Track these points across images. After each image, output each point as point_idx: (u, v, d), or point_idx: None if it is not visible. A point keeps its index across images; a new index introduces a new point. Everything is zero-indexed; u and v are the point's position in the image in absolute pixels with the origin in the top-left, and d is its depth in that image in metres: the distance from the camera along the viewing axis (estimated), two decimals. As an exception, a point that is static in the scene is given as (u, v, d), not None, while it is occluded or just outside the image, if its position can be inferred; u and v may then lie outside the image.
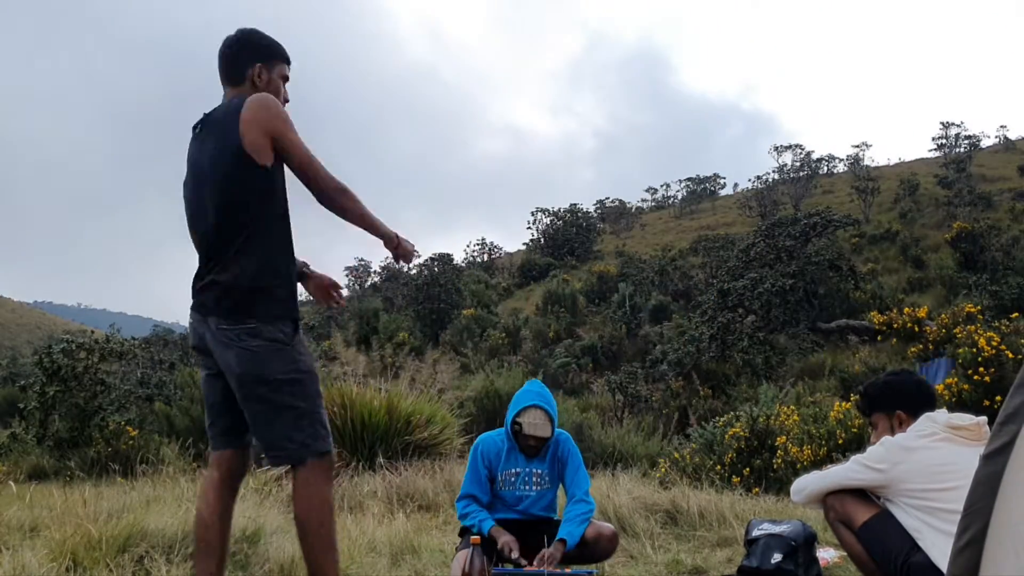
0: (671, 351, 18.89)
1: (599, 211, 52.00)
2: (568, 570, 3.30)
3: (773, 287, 19.07)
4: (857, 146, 60.71)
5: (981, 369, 9.11)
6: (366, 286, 47.82)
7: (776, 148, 48.78)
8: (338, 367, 13.36)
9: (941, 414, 2.70)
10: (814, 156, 48.72)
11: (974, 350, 9.36)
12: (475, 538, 3.10)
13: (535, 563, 3.18)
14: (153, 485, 5.45)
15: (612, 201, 55.06)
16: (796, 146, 47.62)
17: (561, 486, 3.58)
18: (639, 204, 60.93)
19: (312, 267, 2.72)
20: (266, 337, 2.35)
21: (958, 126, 47.68)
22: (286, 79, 2.57)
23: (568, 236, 41.08)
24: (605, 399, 17.24)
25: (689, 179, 59.16)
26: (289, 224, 2.46)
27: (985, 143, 47.19)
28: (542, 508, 3.52)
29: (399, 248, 2.56)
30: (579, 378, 21.13)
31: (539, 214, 44.03)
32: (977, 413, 2.74)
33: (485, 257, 48.71)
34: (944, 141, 46.91)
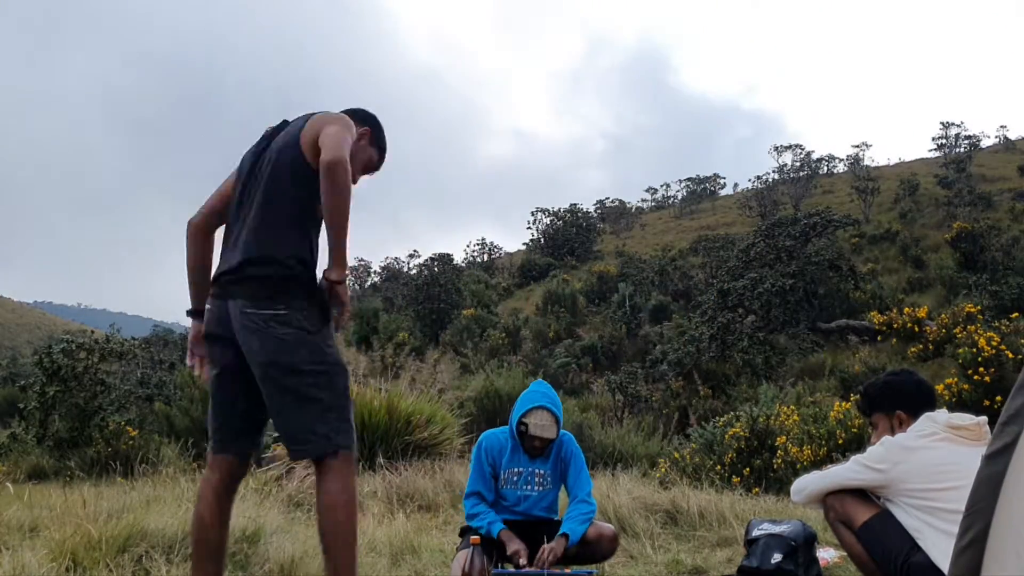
0: (671, 351, 18.90)
1: (599, 211, 52.01)
2: (568, 570, 3.30)
3: (773, 287, 19.07)
4: (857, 146, 60.73)
5: (981, 369, 9.11)
6: (366, 286, 47.86)
7: (776, 148, 48.82)
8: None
9: (941, 414, 2.69)
10: (814, 156, 48.79)
11: (974, 350, 9.36)
12: (475, 538, 3.10)
13: (537, 558, 3.18)
14: (153, 485, 5.45)
15: (612, 201, 55.10)
16: (796, 146, 47.67)
17: (563, 487, 3.58)
18: (639, 204, 60.97)
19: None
20: (295, 325, 2.33)
21: (958, 126, 47.76)
22: (369, 166, 2.68)
23: (568, 236, 41.09)
24: (605, 399, 17.25)
25: (689, 179, 59.19)
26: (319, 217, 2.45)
27: (985, 143, 47.23)
28: (543, 509, 3.51)
29: (337, 287, 2.39)
30: (579, 378, 21.13)
31: (539, 214, 44.06)
32: (977, 413, 2.74)
33: (485, 257, 48.73)
34: (944, 141, 46.94)
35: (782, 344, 18.40)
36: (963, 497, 1.23)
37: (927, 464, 2.58)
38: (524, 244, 47.11)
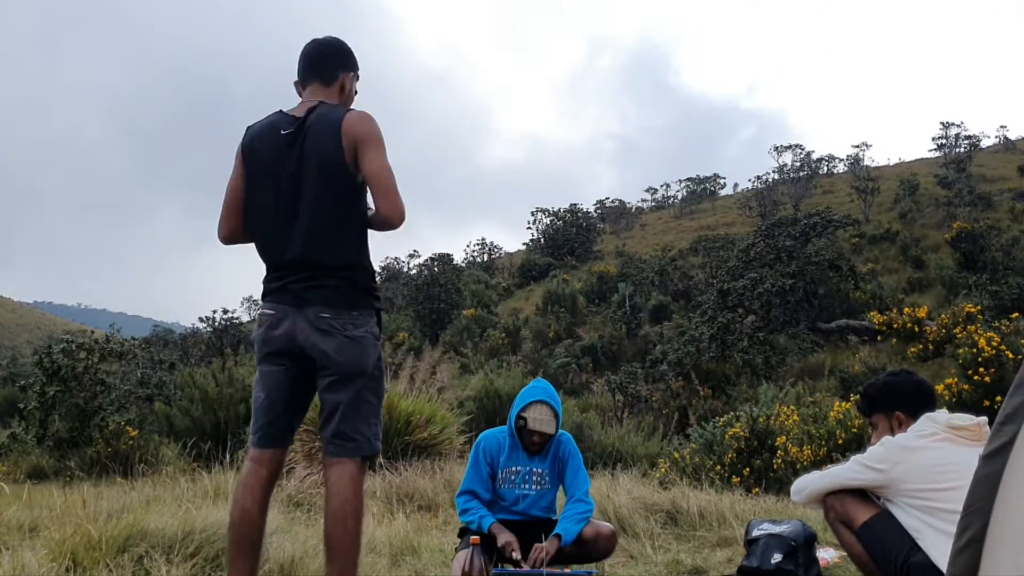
0: (671, 351, 18.90)
1: (599, 211, 52.00)
2: (568, 570, 3.30)
3: (773, 287, 19.07)
4: (857, 146, 60.70)
5: (981, 369, 9.11)
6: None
7: (776, 148, 48.81)
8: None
9: (941, 414, 2.69)
10: (814, 156, 48.80)
11: (974, 350, 9.36)
12: (475, 538, 3.10)
13: (530, 557, 3.18)
14: (153, 485, 5.45)
15: (612, 201, 55.09)
16: (796, 146, 47.69)
17: (561, 487, 3.58)
18: (639, 204, 60.95)
19: None
20: (367, 329, 2.47)
21: (958, 126, 47.72)
22: (356, 92, 2.76)
23: (568, 236, 41.09)
24: (605, 399, 17.25)
25: (689, 179, 59.19)
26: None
27: (985, 143, 47.22)
28: (541, 508, 3.51)
29: None
30: (579, 378, 21.14)
31: (539, 214, 44.06)
32: (977, 413, 2.74)
33: (485, 257, 48.73)
34: (944, 141, 46.93)
35: (782, 344, 18.39)
36: (963, 497, 1.23)
37: (927, 464, 2.58)
38: (524, 244, 47.13)
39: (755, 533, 3.42)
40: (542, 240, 43.11)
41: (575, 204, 44.51)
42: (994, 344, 9.30)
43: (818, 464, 6.14)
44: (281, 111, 2.59)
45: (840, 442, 7.46)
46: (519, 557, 3.18)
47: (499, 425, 3.73)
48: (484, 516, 3.35)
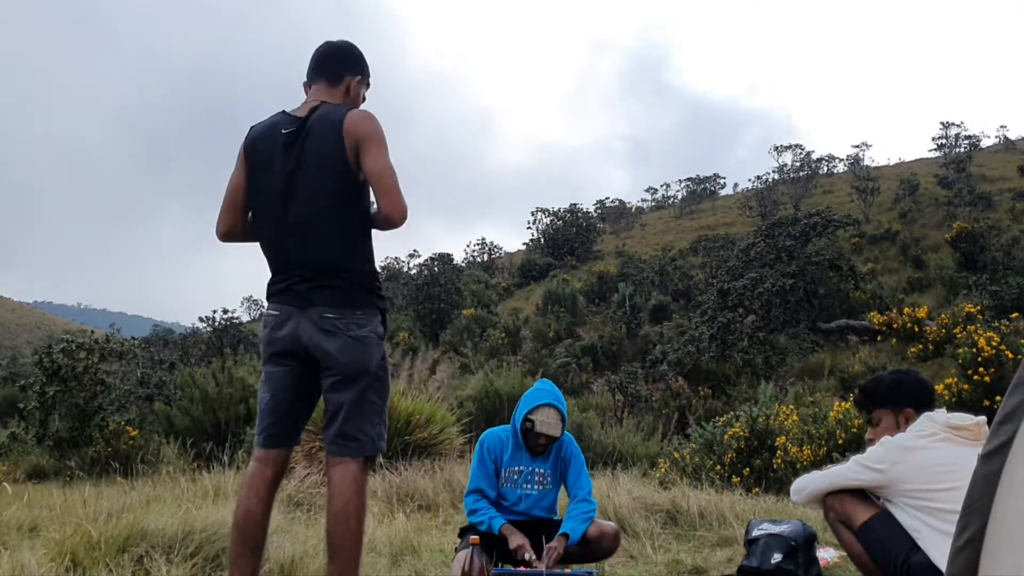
0: (671, 351, 18.90)
1: (599, 211, 52.00)
2: (568, 570, 3.30)
3: (773, 287, 19.07)
4: (857, 146, 60.70)
5: (981, 369, 9.11)
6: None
7: (776, 148, 48.82)
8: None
9: (940, 414, 2.69)
10: (814, 156, 48.80)
11: (974, 350, 9.36)
12: (475, 538, 3.10)
13: (544, 560, 3.18)
14: (153, 485, 5.45)
15: (612, 201, 55.09)
16: (796, 146, 47.69)
17: (563, 487, 3.58)
18: (639, 204, 60.96)
19: None
20: (371, 329, 2.47)
21: (958, 126, 47.70)
22: (364, 99, 2.76)
23: (568, 236, 41.08)
24: (605, 399, 17.25)
25: (689, 179, 59.18)
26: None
27: (985, 143, 47.22)
28: (543, 508, 3.52)
29: None
30: (579, 378, 21.13)
31: (539, 214, 44.05)
32: (977, 413, 2.74)
33: (485, 257, 48.72)
34: (944, 141, 46.93)
35: (782, 344, 18.39)
36: (962, 497, 1.23)
37: (926, 464, 2.58)
38: (524, 244, 47.13)
39: (755, 533, 3.42)
40: (542, 240, 43.11)
41: (575, 204, 44.53)
42: (994, 344, 9.30)
43: (818, 464, 6.15)
44: (284, 111, 2.59)
45: (840, 442, 7.46)
46: (533, 557, 3.18)
47: (499, 425, 3.73)
48: (494, 517, 3.34)
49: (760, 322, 19.26)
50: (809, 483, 2.91)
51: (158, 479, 5.89)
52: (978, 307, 15.12)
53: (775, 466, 7.64)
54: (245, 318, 38.85)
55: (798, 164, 46.67)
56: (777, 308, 19.17)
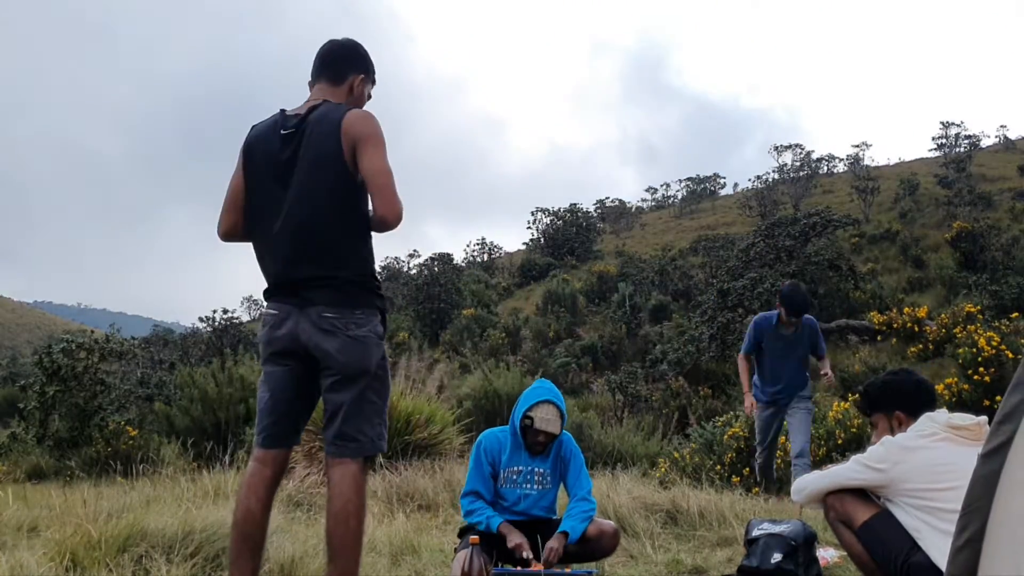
0: (671, 351, 18.90)
1: (599, 211, 51.99)
2: (568, 570, 3.30)
3: (773, 287, 19.06)
4: (857, 146, 60.72)
5: (981, 369, 9.11)
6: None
7: (776, 148, 48.79)
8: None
9: (941, 414, 2.70)
10: (814, 156, 48.79)
11: (974, 350, 9.36)
12: (474, 538, 3.10)
13: (543, 559, 3.19)
14: (153, 485, 5.45)
15: (612, 201, 55.09)
16: (796, 146, 47.67)
17: (562, 487, 3.58)
18: (639, 204, 60.96)
19: None
20: (370, 329, 2.46)
21: (958, 126, 47.62)
22: (369, 97, 2.75)
23: (568, 236, 41.07)
24: (605, 399, 17.25)
25: (689, 179, 59.18)
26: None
27: (985, 143, 47.21)
28: (542, 508, 3.51)
29: None
30: (579, 378, 21.13)
31: (539, 214, 44.04)
32: (977, 413, 2.74)
33: (485, 257, 48.72)
34: (944, 141, 46.91)
35: (782, 344, 18.37)
36: (962, 497, 1.23)
37: (927, 464, 2.58)
38: (524, 244, 47.12)
39: (755, 533, 3.42)
40: (542, 240, 43.10)
41: (575, 204, 44.53)
42: (994, 344, 9.30)
43: (818, 464, 6.15)
44: (283, 110, 2.59)
45: (840, 442, 7.46)
46: (530, 556, 3.18)
47: (499, 425, 3.72)
48: (492, 516, 3.34)
49: (760, 322, 19.24)
50: (809, 483, 2.91)
51: (158, 479, 5.88)
52: (978, 307, 15.12)
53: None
54: (245, 318, 38.83)
55: (798, 164, 46.67)
56: (777, 308, 19.17)
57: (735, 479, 7.36)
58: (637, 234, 47.10)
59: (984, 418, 2.65)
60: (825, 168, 50.12)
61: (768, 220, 26.35)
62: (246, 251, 2.62)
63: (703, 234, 37.07)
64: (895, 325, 16.67)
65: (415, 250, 45.75)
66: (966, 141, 45.86)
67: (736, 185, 56.90)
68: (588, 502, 3.42)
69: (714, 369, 17.50)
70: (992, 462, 1.13)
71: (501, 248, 50.04)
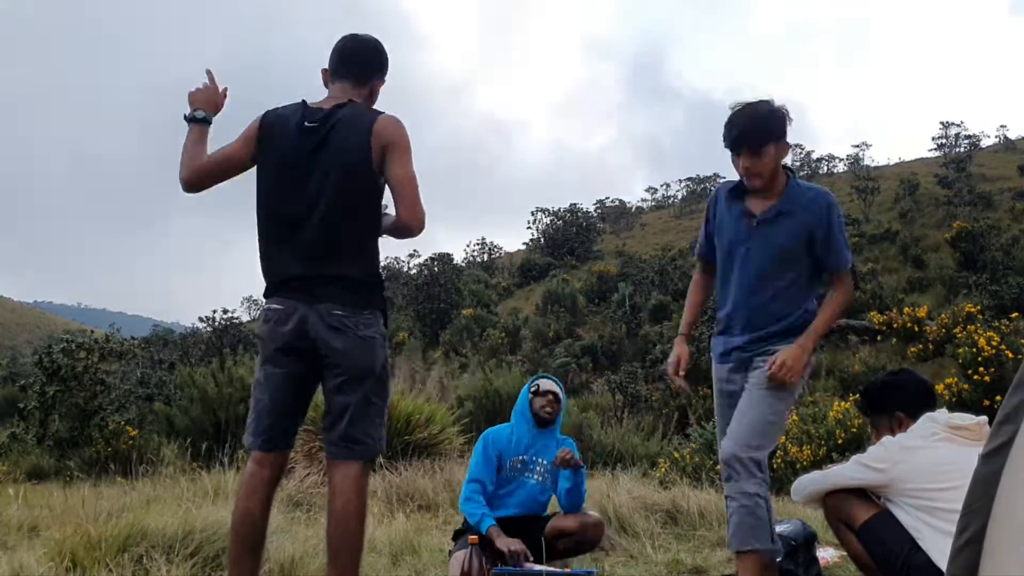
0: (671, 351, 18.88)
1: (599, 211, 52.02)
2: (568, 570, 3.30)
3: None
4: (857, 146, 60.75)
5: (981, 369, 9.12)
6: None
7: (776, 148, 48.77)
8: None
9: (942, 414, 2.69)
10: (814, 156, 48.84)
11: (974, 350, 9.36)
12: (473, 538, 3.10)
13: (559, 458, 3.37)
14: (153, 485, 5.45)
15: (612, 201, 55.13)
16: (796, 146, 47.62)
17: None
18: (639, 204, 61.00)
19: None
20: (377, 330, 2.47)
21: (958, 126, 47.68)
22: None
23: (568, 236, 41.10)
24: (605, 399, 17.26)
25: (689, 179, 59.24)
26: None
27: (985, 143, 47.27)
28: (540, 504, 3.55)
29: None
30: (579, 378, 21.14)
31: (539, 214, 44.07)
32: (977, 413, 2.74)
33: (485, 257, 48.74)
34: (944, 141, 46.97)
35: (782, 344, 18.38)
36: (963, 497, 1.23)
37: (927, 464, 2.57)
38: (524, 244, 47.17)
39: (755, 533, 3.42)
40: (542, 240, 43.12)
41: (575, 204, 44.56)
42: (994, 344, 9.31)
43: (818, 464, 6.15)
44: (305, 102, 2.54)
45: (840, 442, 7.46)
46: (517, 549, 3.19)
47: (499, 424, 3.74)
48: (486, 515, 3.35)
49: (760, 322, 19.24)
50: (809, 483, 2.91)
51: (158, 479, 5.89)
52: (978, 307, 15.13)
53: (775, 466, 7.64)
54: (245, 318, 38.86)
55: (798, 164, 46.70)
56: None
57: (735, 479, 7.36)
58: (637, 234, 47.12)
59: (984, 418, 2.65)
60: (825, 168, 50.20)
61: (768, 220, 26.32)
62: (246, 252, 2.61)
63: (703, 234, 37.03)
64: (895, 325, 16.68)
65: (415, 250, 45.76)
66: (966, 141, 45.92)
67: (736, 185, 56.88)
68: (580, 494, 3.47)
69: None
70: (993, 462, 1.13)
71: (501, 248, 50.11)
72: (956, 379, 9.37)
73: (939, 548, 2.40)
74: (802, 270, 2.84)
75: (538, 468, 3.53)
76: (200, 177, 2.54)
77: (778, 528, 3.39)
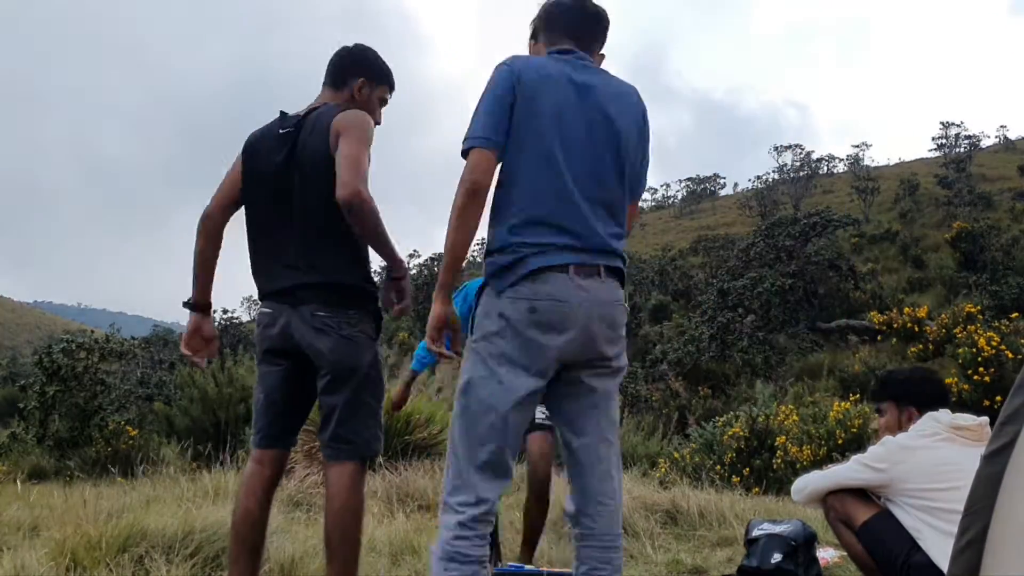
0: (671, 351, 18.90)
1: (599, 211, 51.94)
2: (568, 570, 3.31)
3: (773, 287, 19.08)
4: (857, 146, 60.78)
5: (981, 369, 9.12)
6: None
7: (776, 148, 48.82)
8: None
9: (944, 414, 2.69)
10: (814, 156, 48.81)
11: (974, 350, 9.37)
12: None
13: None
14: (153, 485, 5.46)
15: (612, 201, 55.05)
16: (796, 146, 47.67)
17: None
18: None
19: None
20: (362, 329, 2.46)
21: (958, 126, 47.65)
22: (384, 102, 2.71)
23: (568, 236, 41.03)
24: (605, 399, 17.22)
25: (689, 179, 59.27)
26: None
27: (985, 143, 47.28)
28: None
29: (403, 282, 2.54)
30: (579, 378, 21.10)
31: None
32: (977, 413, 2.74)
33: (485, 257, 48.69)
34: (944, 141, 46.93)
35: (782, 344, 18.41)
36: (964, 497, 1.23)
37: (928, 464, 2.58)
38: (524, 244, 46.98)
39: (755, 533, 3.42)
40: (542, 240, 43.01)
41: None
42: (994, 344, 9.31)
43: (818, 464, 6.15)
44: (283, 112, 2.59)
45: (840, 442, 7.46)
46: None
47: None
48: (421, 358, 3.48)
49: (760, 322, 19.26)
50: (810, 482, 2.91)
51: (158, 479, 5.89)
52: (978, 307, 15.12)
53: (775, 466, 7.64)
54: (245, 318, 38.83)
55: (798, 164, 46.70)
56: (777, 308, 19.19)
57: (735, 479, 7.36)
58: (637, 234, 47.12)
59: (986, 419, 2.65)
60: (825, 168, 50.17)
61: (768, 220, 26.38)
62: (246, 252, 2.62)
63: (703, 234, 37.11)
64: (895, 325, 16.68)
65: (415, 250, 45.77)
66: (966, 141, 45.88)
67: (736, 185, 57.01)
68: None
69: (714, 369, 17.50)
70: (995, 463, 1.13)
71: (501, 248, 50.04)
72: (956, 379, 9.36)
73: (939, 548, 2.40)
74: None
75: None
76: (222, 210, 2.60)
77: (778, 528, 3.40)
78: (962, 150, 44.46)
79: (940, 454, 2.57)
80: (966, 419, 2.66)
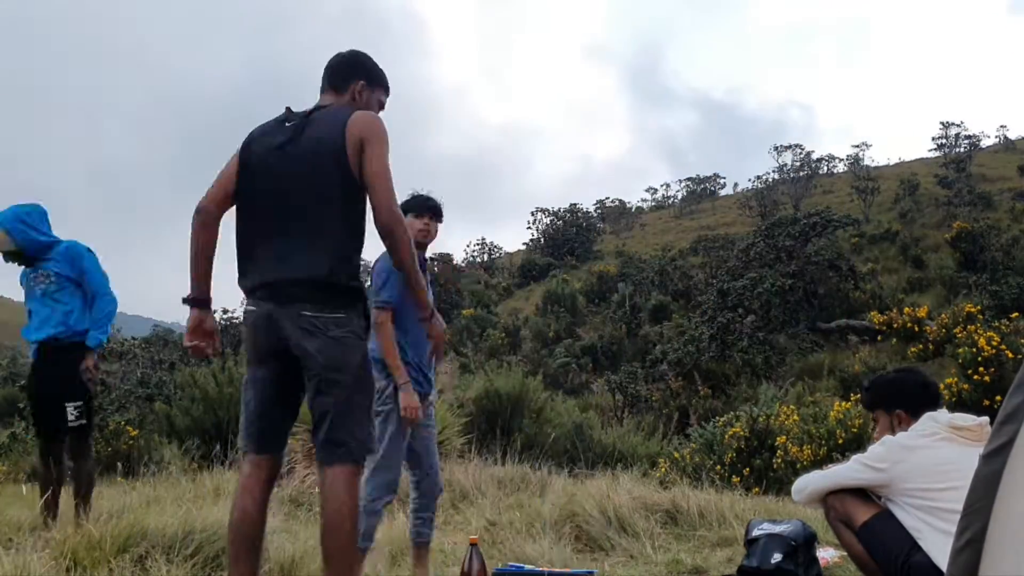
0: (671, 351, 18.91)
1: (599, 211, 52.02)
2: (568, 570, 3.31)
3: (773, 287, 19.08)
4: (857, 146, 60.72)
5: (981, 369, 9.12)
6: (366, 287, 47.74)
7: (776, 148, 48.78)
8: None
9: (943, 414, 2.70)
10: (814, 156, 48.77)
11: (974, 350, 9.37)
12: (473, 538, 3.11)
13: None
14: (153, 485, 5.46)
15: (612, 201, 55.12)
16: (796, 146, 47.62)
17: None
18: (639, 204, 60.97)
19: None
20: (351, 329, 2.43)
21: (958, 126, 47.51)
22: (382, 106, 2.73)
23: (568, 236, 41.11)
24: (605, 399, 17.27)
25: (689, 179, 59.23)
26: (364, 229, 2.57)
27: (985, 143, 47.18)
28: None
29: (432, 320, 2.62)
30: (579, 378, 21.14)
31: (539, 214, 44.07)
32: (977, 413, 2.74)
33: (485, 257, 48.72)
34: (944, 141, 46.86)
35: (782, 344, 18.41)
36: (963, 497, 1.23)
37: (928, 464, 2.58)
38: (524, 244, 47.16)
39: (755, 533, 3.42)
40: (542, 240, 43.12)
41: (575, 204, 44.58)
42: (994, 344, 9.31)
43: (818, 464, 6.14)
44: (289, 108, 2.58)
45: (840, 442, 7.45)
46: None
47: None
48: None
49: (760, 322, 19.27)
50: (810, 482, 2.91)
51: (158, 479, 5.89)
52: (978, 307, 15.12)
53: (775, 466, 7.64)
54: (245, 318, 38.86)
55: (798, 164, 46.68)
56: (777, 308, 19.19)
57: (735, 479, 7.36)
58: (637, 234, 47.11)
59: (985, 419, 2.65)
60: (825, 168, 50.10)
61: (768, 220, 26.38)
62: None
63: (703, 234, 37.09)
64: (895, 325, 16.69)
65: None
66: (966, 141, 45.82)
67: (736, 185, 56.93)
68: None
69: (714, 369, 17.51)
70: (994, 463, 1.13)
71: (501, 248, 50.08)
72: (956, 379, 9.37)
73: (939, 548, 2.41)
74: None
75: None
76: (216, 204, 2.57)
77: (778, 528, 3.40)
78: (962, 150, 44.41)
79: (940, 454, 2.57)
80: (965, 419, 2.66)
